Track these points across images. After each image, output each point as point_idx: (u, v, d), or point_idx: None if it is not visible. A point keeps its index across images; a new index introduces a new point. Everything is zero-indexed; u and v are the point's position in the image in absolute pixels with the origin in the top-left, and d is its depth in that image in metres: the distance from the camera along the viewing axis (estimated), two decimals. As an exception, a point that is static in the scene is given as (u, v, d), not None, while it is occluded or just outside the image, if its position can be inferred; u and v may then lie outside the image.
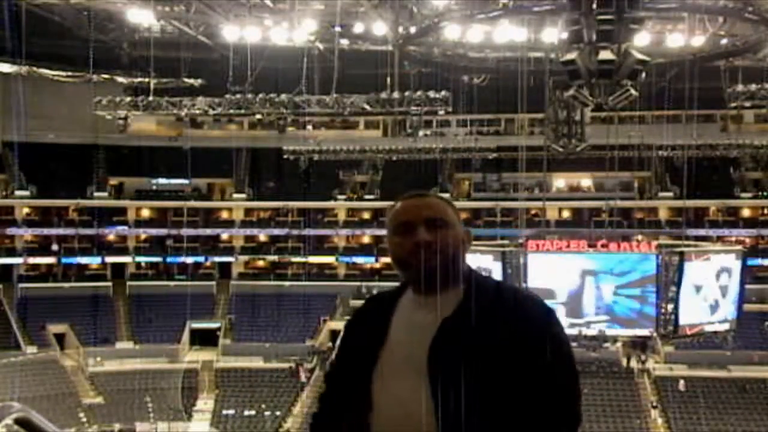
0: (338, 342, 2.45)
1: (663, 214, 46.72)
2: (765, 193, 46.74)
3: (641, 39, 19.26)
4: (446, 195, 41.23)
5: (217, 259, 48.91)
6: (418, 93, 26.41)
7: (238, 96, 27.75)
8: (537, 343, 2.12)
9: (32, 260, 47.00)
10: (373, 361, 2.20)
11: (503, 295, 2.22)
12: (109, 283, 46.62)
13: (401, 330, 2.23)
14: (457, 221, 2.30)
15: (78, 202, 46.87)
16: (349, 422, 2.23)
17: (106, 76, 37.83)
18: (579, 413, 2.19)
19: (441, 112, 29.26)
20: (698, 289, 20.03)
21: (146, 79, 34.15)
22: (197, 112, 30.57)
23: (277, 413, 38.51)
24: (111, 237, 48.53)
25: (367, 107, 27.52)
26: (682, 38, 23.33)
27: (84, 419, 37.46)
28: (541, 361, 2.11)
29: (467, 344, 2.11)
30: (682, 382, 38.04)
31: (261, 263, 49.52)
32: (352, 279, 45.68)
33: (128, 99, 30.51)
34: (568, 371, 2.18)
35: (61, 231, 46.76)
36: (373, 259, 46.92)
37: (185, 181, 48.39)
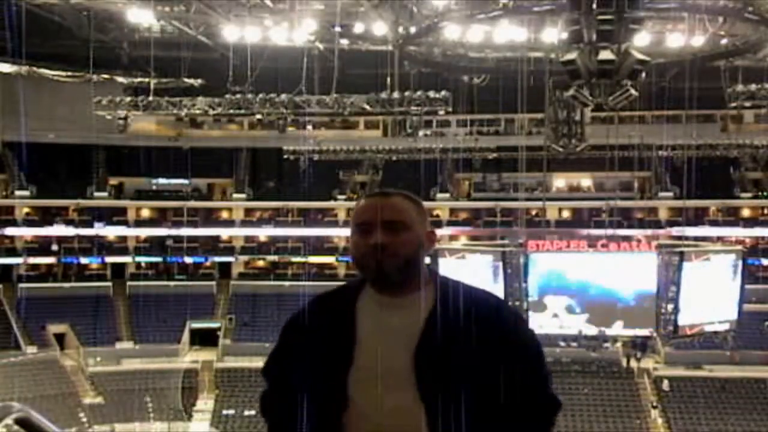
0: (284, 337, 2.36)
1: (663, 214, 46.70)
2: (765, 193, 46.72)
3: (641, 39, 19.28)
4: (446, 195, 40.97)
5: (217, 259, 48.90)
6: (418, 93, 26.43)
7: (238, 96, 27.77)
8: (512, 341, 2.19)
9: (32, 260, 47.00)
10: (348, 362, 2.17)
11: (475, 298, 2.23)
12: (109, 283, 46.56)
13: (372, 331, 2.20)
14: (420, 223, 2.26)
15: (78, 202, 46.86)
16: (321, 425, 2.19)
17: (106, 76, 37.85)
18: (557, 400, 2.28)
19: (441, 112, 29.27)
20: (698, 289, 20.03)
21: (146, 79, 34.18)
22: (197, 112, 30.59)
23: (277, 413, 38.42)
24: (111, 237, 48.52)
25: (367, 107, 27.55)
26: (682, 38, 23.35)
27: (84, 419, 37.44)
28: (516, 358, 2.18)
29: (449, 348, 2.12)
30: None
31: (261, 263, 49.50)
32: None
33: (128, 99, 30.53)
34: (542, 365, 2.27)
35: (61, 231, 46.72)
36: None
37: (185, 181, 48.36)
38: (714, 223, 45.18)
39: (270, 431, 2.37)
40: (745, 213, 47.36)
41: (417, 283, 2.23)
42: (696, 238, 32.15)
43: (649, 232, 39.50)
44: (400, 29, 23.47)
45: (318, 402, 2.19)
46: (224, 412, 39.29)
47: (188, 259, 47.80)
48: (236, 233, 49.21)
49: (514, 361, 2.16)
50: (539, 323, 19.79)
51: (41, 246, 47.15)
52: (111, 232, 48.09)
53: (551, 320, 20.43)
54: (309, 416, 2.21)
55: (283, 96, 27.71)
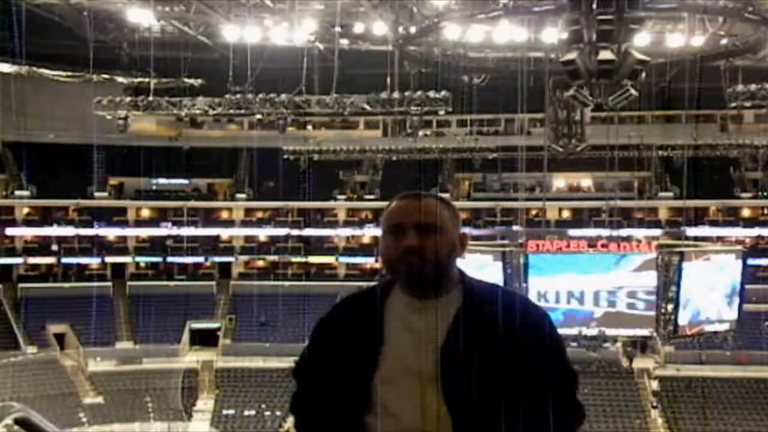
0: (314, 338, 2.36)
1: (663, 214, 46.70)
2: (765, 193, 46.72)
3: (641, 39, 19.29)
4: (446, 195, 41.21)
5: (217, 259, 48.90)
6: (418, 93, 26.39)
7: (238, 96, 27.72)
8: (538, 345, 2.17)
9: (32, 260, 46.99)
10: (374, 364, 2.16)
11: (501, 300, 2.20)
12: (109, 283, 46.55)
13: (399, 334, 2.19)
14: (452, 225, 2.24)
15: (78, 202, 46.85)
16: (344, 426, 2.18)
17: (106, 76, 37.86)
18: (581, 405, 2.27)
19: (441, 112, 29.25)
20: (698, 289, 20.02)
21: (146, 79, 34.17)
22: (197, 112, 30.54)
23: (277, 413, 38.50)
24: (111, 237, 48.51)
25: (367, 107, 27.51)
26: (682, 38, 23.36)
27: (84, 419, 37.45)
28: (543, 362, 2.16)
29: (475, 350, 2.11)
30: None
31: (261, 263, 49.50)
32: (352, 279, 45.61)
33: (128, 99, 30.49)
34: (569, 370, 2.25)
35: (61, 231, 46.72)
36: (373, 259, 46.89)
37: (185, 181, 48.34)
38: (714, 223, 45.18)
39: (298, 430, 2.37)
40: (745, 213, 47.37)
41: (447, 286, 2.22)
42: (696, 238, 32.15)
43: (649, 232, 39.49)
44: (400, 29, 23.49)
45: (343, 402, 2.19)
46: (224, 412, 39.30)
47: (188, 259, 47.79)
48: (236, 233, 49.22)
49: (539, 364, 2.14)
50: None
51: (41, 246, 47.16)
52: (111, 232, 48.11)
53: None
54: (334, 416, 2.21)
55: (283, 96, 27.66)
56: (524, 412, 2.11)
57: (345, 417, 2.18)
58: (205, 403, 40.07)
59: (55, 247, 46.68)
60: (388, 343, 2.18)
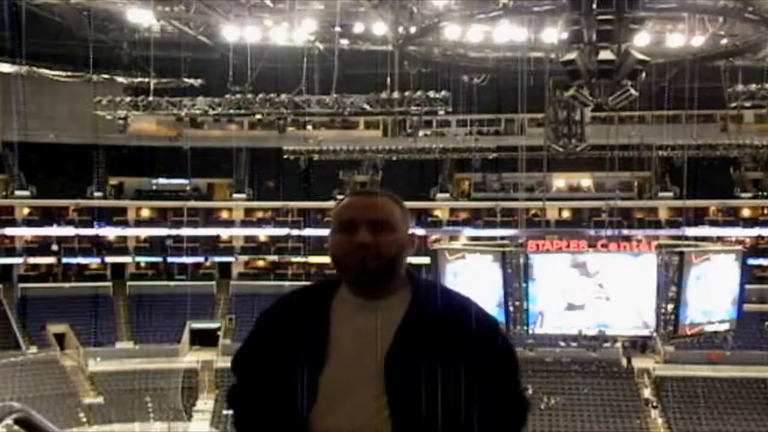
0: (255, 332, 2.30)
1: (663, 214, 46.69)
2: (765, 193, 46.73)
3: (641, 39, 19.30)
4: (446, 195, 40.87)
5: (217, 259, 48.90)
6: (418, 93, 26.39)
7: (238, 96, 27.73)
8: (486, 349, 2.14)
9: (32, 260, 47.00)
10: (320, 364, 2.12)
11: (452, 304, 2.18)
12: (109, 283, 46.57)
13: (346, 334, 2.15)
14: (403, 224, 2.22)
15: (78, 202, 46.85)
16: (286, 424, 2.13)
17: (106, 76, 37.80)
18: (525, 416, 2.23)
19: (441, 112, 29.25)
20: (698, 289, 20.03)
21: (146, 79, 34.12)
22: (197, 112, 30.55)
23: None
24: (111, 237, 48.51)
25: (367, 107, 27.51)
26: (682, 38, 23.37)
27: (84, 419, 37.45)
28: (490, 368, 2.13)
29: (422, 355, 2.07)
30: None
31: (261, 263, 49.51)
32: (352, 279, 45.53)
33: (128, 99, 30.48)
34: (514, 378, 2.23)
35: (61, 231, 46.73)
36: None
37: (185, 181, 48.35)
38: (714, 223, 45.17)
39: (237, 425, 2.31)
40: (745, 213, 47.35)
41: (395, 286, 2.20)
42: (696, 238, 32.14)
43: (649, 232, 39.50)
44: (400, 29, 23.50)
45: (286, 400, 2.13)
46: (224, 412, 39.22)
47: (188, 259, 47.79)
48: (236, 233, 49.21)
49: (487, 369, 2.12)
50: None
51: (41, 246, 47.14)
52: (111, 232, 48.11)
53: None
54: (276, 414, 2.16)
55: (283, 96, 27.67)
56: (467, 417, 2.07)
57: (287, 415, 2.12)
58: (205, 403, 40.05)
59: (55, 247, 46.66)
60: (334, 343, 2.14)
